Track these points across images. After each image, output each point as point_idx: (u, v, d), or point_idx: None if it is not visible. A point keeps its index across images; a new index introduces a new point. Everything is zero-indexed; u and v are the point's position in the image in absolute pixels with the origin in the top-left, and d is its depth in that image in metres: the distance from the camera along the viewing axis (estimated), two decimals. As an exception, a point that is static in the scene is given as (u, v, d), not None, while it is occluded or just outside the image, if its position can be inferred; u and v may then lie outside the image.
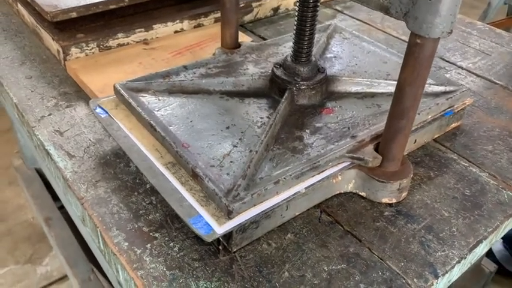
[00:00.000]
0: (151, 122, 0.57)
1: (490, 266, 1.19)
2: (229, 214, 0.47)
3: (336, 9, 1.05)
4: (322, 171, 0.54)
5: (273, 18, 1.01)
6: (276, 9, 1.01)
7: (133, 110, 0.60)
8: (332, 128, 0.59)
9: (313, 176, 0.53)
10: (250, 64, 0.71)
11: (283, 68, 0.64)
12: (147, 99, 0.62)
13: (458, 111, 0.68)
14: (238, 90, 0.65)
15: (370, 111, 0.63)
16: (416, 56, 0.47)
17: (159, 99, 0.62)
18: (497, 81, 0.82)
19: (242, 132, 0.57)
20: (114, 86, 0.62)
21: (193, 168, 0.51)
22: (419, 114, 0.61)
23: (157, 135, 0.56)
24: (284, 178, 0.50)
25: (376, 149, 0.57)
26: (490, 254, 1.45)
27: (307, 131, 0.59)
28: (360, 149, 0.56)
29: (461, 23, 1.03)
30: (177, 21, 0.88)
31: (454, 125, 0.70)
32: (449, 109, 0.66)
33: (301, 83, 0.62)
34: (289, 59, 0.64)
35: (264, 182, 0.50)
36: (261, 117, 0.60)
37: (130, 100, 0.60)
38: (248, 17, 0.98)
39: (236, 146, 0.55)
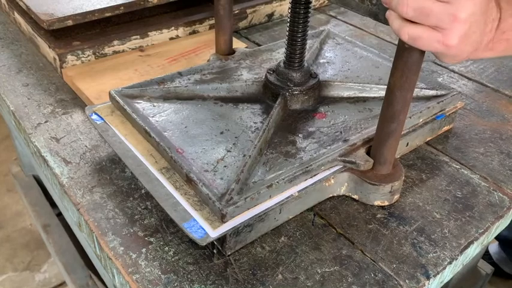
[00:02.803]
0: (146, 127, 0.57)
1: (487, 268, 1.19)
2: (223, 218, 0.47)
3: (329, 15, 1.07)
4: (315, 175, 0.55)
5: (268, 25, 1.02)
6: (270, 16, 1.02)
7: (129, 116, 0.60)
8: (324, 132, 0.60)
9: (305, 180, 0.54)
10: (244, 70, 0.72)
11: (276, 74, 0.65)
12: (142, 105, 0.63)
13: (450, 114, 0.69)
14: (232, 96, 0.66)
15: (362, 115, 0.64)
16: (405, 61, 0.48)
17: (153, 106, 0.63)
18: (488, 85, 0.83)
19: (236, 137, 0.58)
20: (110, 93, 0.63)
21: (187, 173, 0.51)
22: (410, 117, 0.62)
23: (152, 140, 0.57)
24: (277, 182, 0.51)
25: (368, 153, 0.58)
26: (487, 255, 1.46)
27: (300, 135, 0.59)
28: (352, 152, 0.57)
29: (453, 27, 1.04)
30: (172, 28, 0.89)
31: (446, 128, 0.71)
32: (440, 112, 0.67)
33: (294, 88, 0.63)
34: (282, 64, 0.65)
35: (257, 186, 0.51)
36: (255, 122, 0.61)
37: (126, 106, 0.61)
38: (243, 23, 0.99)
39: (230, 151, 0.56)
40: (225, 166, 0.53)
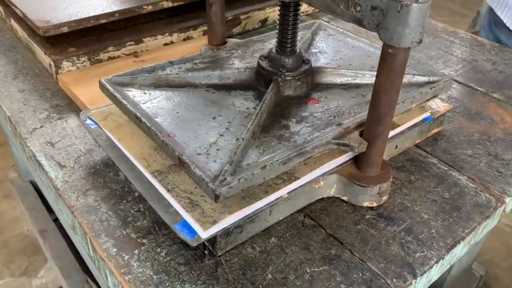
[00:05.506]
0: (137, 113, 0.57)
1: (481, 270, 1.20)
2: (217, 199, 0.47)
3: (322, 20, 1.08)
4: (309, 158, 0.55)
5: (261, 30, 1.03)
6: (263, 21, 1.04)
7: (119, 104, 0.60)
8: (318, 116, 0.60)
9: (299, 163, 0.55)
10: (236, 59, 0.72)
11: (268, 60, 0.66)
12: (133, 92, 0.63)
13: (438, 117, 0.70)
14: (224, 83, 0.67)
15: (355, 101, 0.64)
16: (390, 65, 0.49)
17: (144, 93, 0.63)
18: (477, 88, 0.85)
19: (229, 122, 0.58)
20: (100, 81, 0.63)
21: (179, 156, 0.51)
22: (404, 102, 0.62)
23: (143, 126, 0.56)
24: (271, 163, 0.51)
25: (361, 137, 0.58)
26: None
27: (294, 120, 0.60)
28: (346, 135, 0.57)
29: (444, 31, 1.06)
30: (167, 34, 0.90)
31: (435, 130, 0.72)
32: (431, 98, 0.67)
33: (287, 73, 0.64)
34: (274, 50, 0.65)
35: (251, 167, 0.50)
36: (247, 108, 0.61)
37: (116, 93, 0.61)
38: (237, 29, 1.00)
39: (223, 135, 0.56)
40: (217, 149, 0.53)
